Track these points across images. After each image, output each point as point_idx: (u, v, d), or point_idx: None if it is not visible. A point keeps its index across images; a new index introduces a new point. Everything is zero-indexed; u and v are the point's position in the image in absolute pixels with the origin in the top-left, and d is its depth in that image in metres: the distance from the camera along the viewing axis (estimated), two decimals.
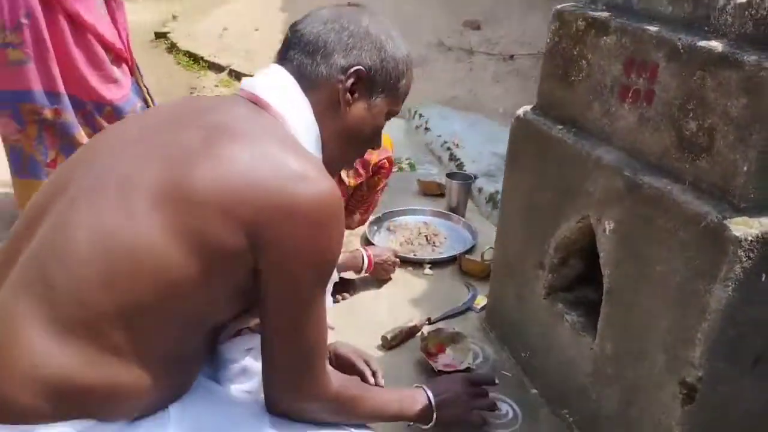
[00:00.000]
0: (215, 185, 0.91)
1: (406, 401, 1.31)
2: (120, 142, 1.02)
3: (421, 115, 3.40)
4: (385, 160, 1.92)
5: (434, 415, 1.33)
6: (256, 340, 1.12)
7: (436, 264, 2.18)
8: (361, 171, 1.88)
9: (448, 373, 1.63)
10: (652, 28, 1.20)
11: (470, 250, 2.25)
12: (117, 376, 0.89)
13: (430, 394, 1.34)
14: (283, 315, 0.99)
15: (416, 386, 1.36)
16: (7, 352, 0.87)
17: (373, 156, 1.89)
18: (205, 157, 0.93)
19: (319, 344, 1.03)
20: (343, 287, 1.98)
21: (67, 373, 0.86)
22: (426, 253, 2.23)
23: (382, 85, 1.11)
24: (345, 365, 1.41)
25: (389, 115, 1.17)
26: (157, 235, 0.89)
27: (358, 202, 1.98)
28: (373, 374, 1.41)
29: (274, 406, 1.06)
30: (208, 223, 0.90)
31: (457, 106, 3.53)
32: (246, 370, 1.21)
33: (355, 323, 1.87)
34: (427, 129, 3.27)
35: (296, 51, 1.09)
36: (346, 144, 1.14)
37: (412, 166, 2.97)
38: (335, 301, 1.94)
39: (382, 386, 1.39)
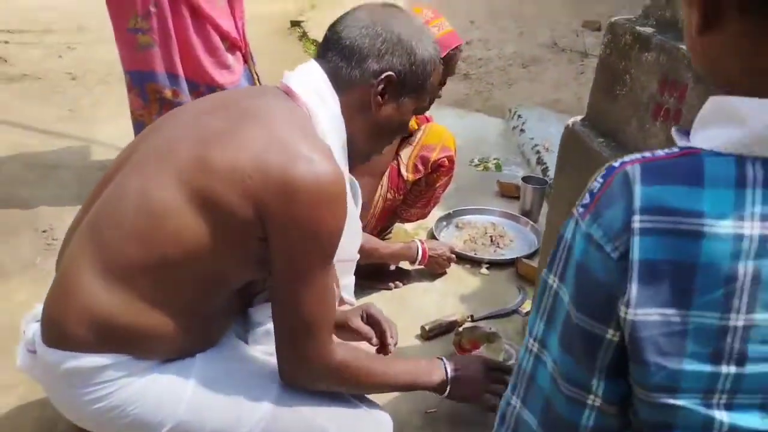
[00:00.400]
0: (230, 163, 1.06)
1: (422, 372, 1.34)
2: (175, 122, 1.21)
3: (519, 116, 3.38)
4: (445, 159, 1.99)
5: (448, 389, 1.36)
6: None
7: (494, 265, 2.22)
8: (420, 167, 1.97)
9: None
10: (685, 47, 1.18)
11: (532, 255, 2.25)
12: (146, 320, 1.08)
13: (449, 368, 1.36)
14: (283, 286, 1.11)
15: (437, 357, 1.40)
16: (68, 289, 1.09)
17: (433, 153, 1.97)
18: (225, 138, 1.09)
19: (320, 316, 1.12)
20: (398, 276, 2.09)
21: (109, 311, 1.06)
22: (486, 253, 2.27)
23: (411, 86, 1.22)
24: (372, 323, 1.47)
25: (416, 111, 1.28)
26: (179, 203, 1.06)
27: (416, 197, 2.07)
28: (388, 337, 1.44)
29: (283, 375, 1.18)
30: (221, 195, 1.05)
31: (560, 109, 3.47)
32: (269, 333, 1.36)
33: (402, 311, 1.97)
34: (522, 131, 3.26)
35: (334, 53, 1.21)
36: (374, 138, 1.27)
37: (498, 167, 2.99)
38: (387, 288, 2.05)
39: (390, 350, 1.43)
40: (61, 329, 1.08)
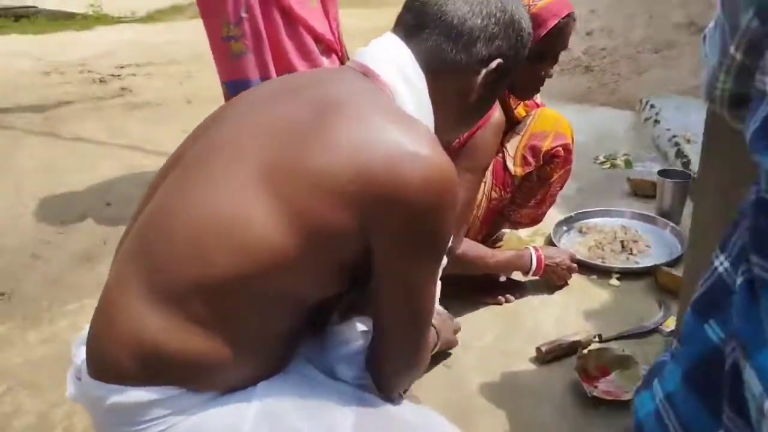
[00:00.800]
0: (323, 165, 0.88)
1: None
2: (238, 113, 1.03)
3: (652, 106, 2.96)
4: (560, 148, 1.68)
5: None
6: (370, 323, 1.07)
7: (626, 275, 1.86)
8: (530, 159, 1.67)
9: (607, 401, 1.37)
10: None
11: (674, 263, 1.87)
12: (202, 348, 0.90)
13: None
14: (395, 298, 0.95)
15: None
16: (111, 313, 0.94)
17: (545, 142, 1.67)
18: (313, 135, 0.90)
19: (429, 321, 1.02)
20: (509, 289, 1.80)
21: (157, 338, 0.89)
22: (617, 261, 1.91)
23: (512, 70, 1.06)
24: None
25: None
26: (255, 212, 0.88)
27: (527, 194, 1.76)
28: None
29: (384, 383, 1.04)
30: (314, 205, 0.87)
31: (700, 95, 2.99)
32: (360, 352, 1.15)
33: (514, 329, 1.68)
34: (656, 122, 2.83)
35: (434, 32, 1.00)
36: (462, 124, 1.13)
37: (628, 163, 2.59)
38: (497, 303, 1.77)
39: None
40: (104, 359, 0.92)
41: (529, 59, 1.53)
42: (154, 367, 0.90)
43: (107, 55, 5.21)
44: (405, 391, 1.13)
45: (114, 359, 0.91)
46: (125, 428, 0.93)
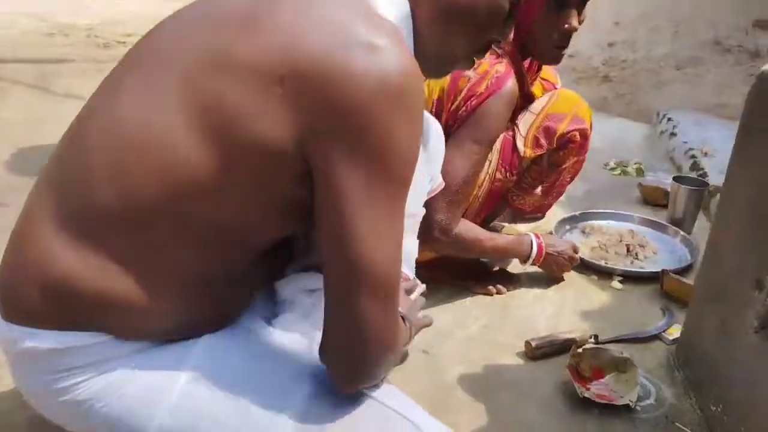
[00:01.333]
0: (250, 58, 0.72)
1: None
2: (181, 15, 0.88)
3: (669, 119, 2.83)
4: (576, 132, 1.53)
5: None
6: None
7: (630, 278, 1.71)
8: (543, 141, 1.52)
9: (600, 405, 1.23)
10: None
11: (683, 271, 1.72)
12: (121, 288, 0.76)
13: None
14: (337, 245, 0.74)
15: None
16: (23, 247, 0.79)
17: (560, 125, 1.52)
18: (251, 22, 0.75)
19: (390, 281, 0.76)
20: (501, 279, 1.66)
21: (68, 275, 0.75)
22: (621, 264, 1.77)
23: None
24: None
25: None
26: (175, 122, 0.73)
27: (534, 180, 1.61)
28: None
29: (333, 371, 0.81)
30: (239, 110, 0.72)
31: (725, 115, 2.86)
32: (306, 316, 0.99)
33: (503, 322, 1.54)
34: (672, 134, 2.70)
35: None
36: (450, 29, 0.88)
37: (639, 171, 2.46)
38: (487, 293, 1.62)
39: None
40: (15, 299, 0.79)
41: (548, 6, 1.38)
42: (68, 309, 0.76)
43: (116, 23, 5.09)
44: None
45: (24, 299, 0.77)
46: (42, 376, 0.79)
